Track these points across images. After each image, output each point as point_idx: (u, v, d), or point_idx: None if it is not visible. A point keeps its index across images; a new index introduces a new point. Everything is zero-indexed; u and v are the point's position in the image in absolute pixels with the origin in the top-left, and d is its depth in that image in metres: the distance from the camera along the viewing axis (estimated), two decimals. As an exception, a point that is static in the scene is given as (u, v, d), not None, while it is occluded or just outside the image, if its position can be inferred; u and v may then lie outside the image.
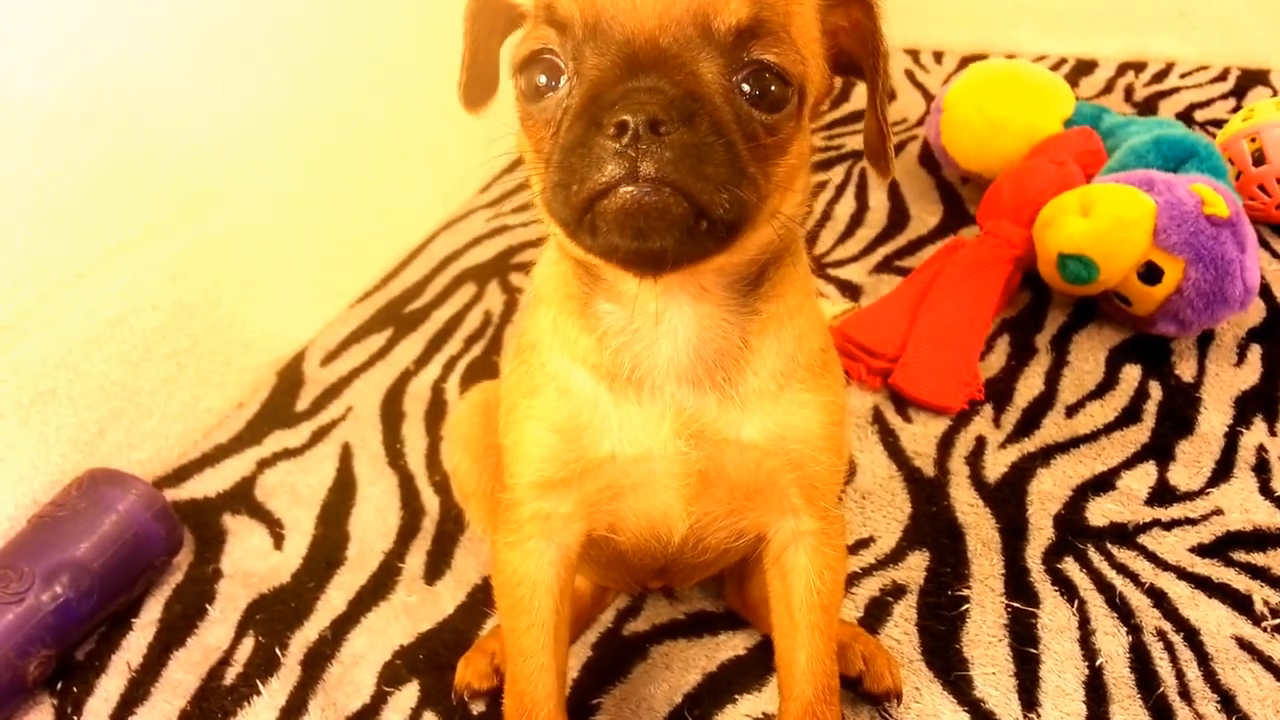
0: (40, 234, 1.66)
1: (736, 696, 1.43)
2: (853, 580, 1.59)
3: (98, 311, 1.78)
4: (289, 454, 1.95)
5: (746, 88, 0.87)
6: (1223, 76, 3.20)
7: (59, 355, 1.72)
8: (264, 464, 1.92)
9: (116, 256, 1.80)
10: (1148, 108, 3.04)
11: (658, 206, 0.82)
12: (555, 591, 1.19)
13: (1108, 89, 3.19)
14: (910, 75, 3.42)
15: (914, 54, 3.56)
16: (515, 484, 1.14)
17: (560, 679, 1.23)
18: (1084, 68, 3.35)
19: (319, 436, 1.99)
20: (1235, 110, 2.87)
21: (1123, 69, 3.32)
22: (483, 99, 1.12)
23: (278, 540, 1.75)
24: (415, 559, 1.69)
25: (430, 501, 1.81)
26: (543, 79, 0.89)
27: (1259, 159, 2.34)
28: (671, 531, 1.14)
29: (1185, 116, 2.96)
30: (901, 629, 1.51)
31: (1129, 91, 3.16)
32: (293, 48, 2.18)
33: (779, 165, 0.92)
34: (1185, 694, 1.39)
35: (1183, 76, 3.23)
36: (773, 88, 0.88)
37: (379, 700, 1.46)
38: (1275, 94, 3.06)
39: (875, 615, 1.53)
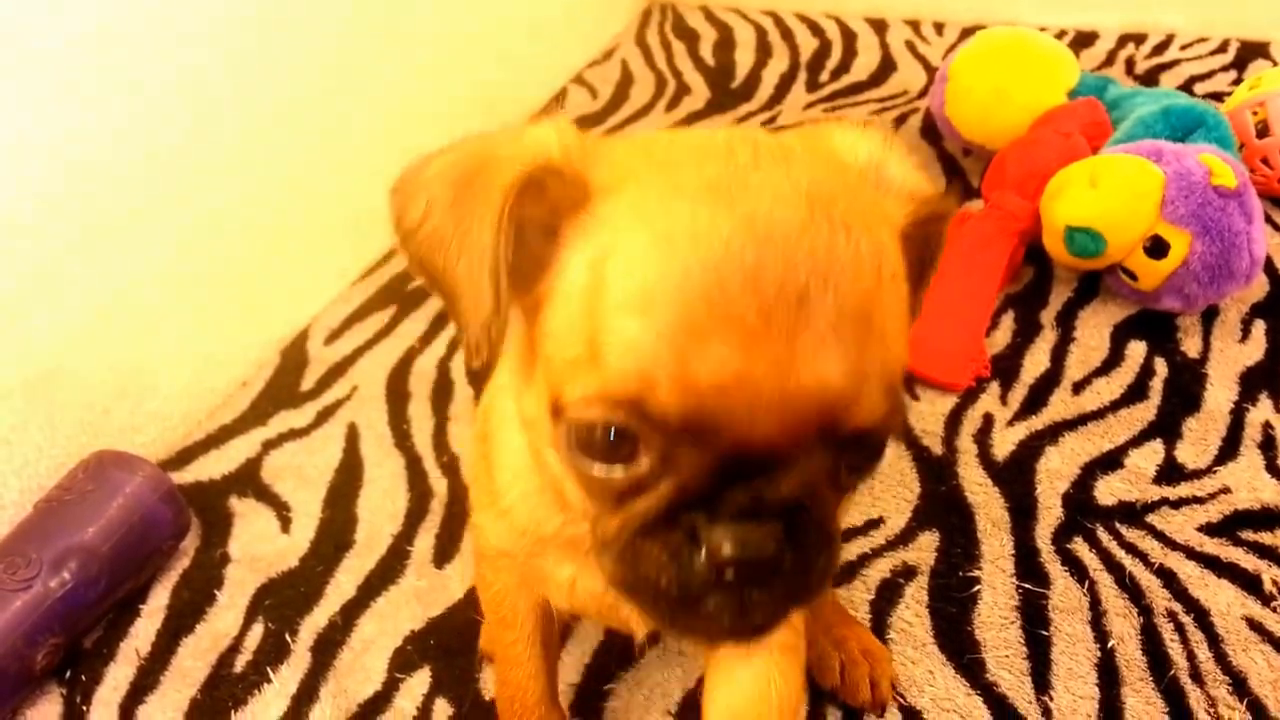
0: (45, 211, 1.64)
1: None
2: (864, 561, 1.59)
3: (103, 288, 1.76)
4: (295, 434, 1.93)
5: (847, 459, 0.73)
6: (1223, 48, 3.18)
7: (62, 334, 1.70)
8: (270, 445, 1.91)
9: (122, 233, 1.78)
10: (1149, 80, 3.02)
11: (749, 627, 0.73)
12: (539, 606, 1.17)
13: (1108, 61, 3.17)
14: (911, 47, 3.38)
15: (914, 25, 3.53)
16: (485, 541, 1.08)
17: (551, 679, 1.24)
18: (1084, 39, 3.32)
19: (325, 416, 1.97)
20: (1236, 83, 2.86)
21: (1123, 41, 3.29)
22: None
23: (285, 523, 1.74)
24: (424, 542, 1.69)
25: (438, 484, 1.80)
26: (606, 447, 0.70)
27: (1263, 130, 2.33)
28: (634, 630, 1.08)
29: (1186, 89, 2.94)
30: (913, 611, 1.51)
31: (1130, 64, 3.14)
32: (296, 22, 2.15)
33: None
34: (1197, 676, 1.39)
35: (1183, 48, 3.21)
36: (873, 451, 0.75)
37: (390, 687, 1.46)
38: (1276, 65, 3.04)
39: (886, 597, 1.53)
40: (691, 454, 0.67)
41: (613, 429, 0.68)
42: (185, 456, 1.89)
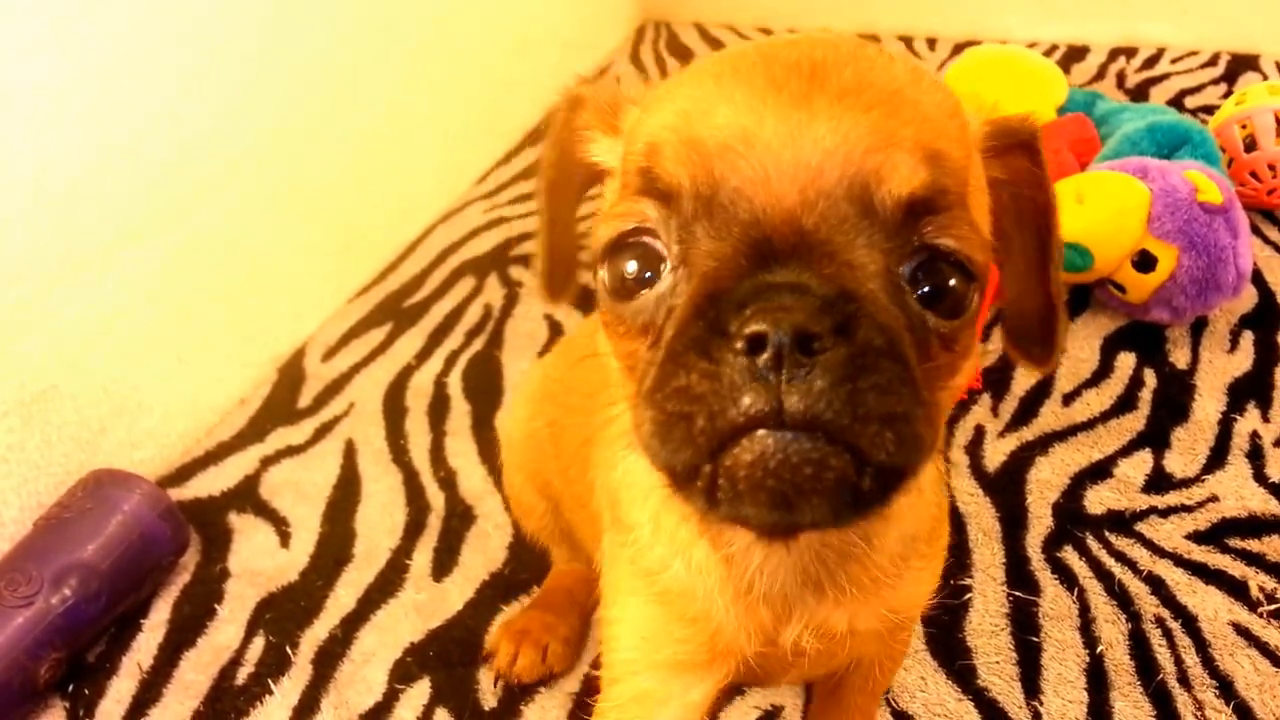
0: (37, 229, 1.67)
1: (744, 689, 1.45)
2: (856, 571, 1.61)
3: (97, 307, 1.78)
4: (292, 451, 1.95)
5: (921, 286, 0.66)
6: (1213, 61, 3.22)
7: (59, 354, 1.72)
8: (268, 461, 1.93)
9: (114, 252, 1.80)
10: (1139, 94, 3.05)
11: (813, 462, 0.60)
12: None
13: (1099, 75, 3.20)
14: (903, 63, 3.42)
15: (908, 40, 3.57)
16: (630, 661, 0.98)
17: None
18: (1075, 54, 3.35)
19: (322, 433, 1.99)
20: (1226, 96, 2.88)
21: (1114, 55, 3.32)
22: (564, 284, 0.91)
23: (284, 538, 1.76)
24: (422, 556, 1.71)
25: (436, 498, 1.82)
26: (633, 267, 0.68)
27: (1250, 145, 2.36)
28: (779, 680, 1.10)
29: (1176, 103, 2.97)
30: (905, 620, 1.53)
31: (1121, 78, 3.17)
32: (287, 40, 2.18)
33: (952, 383, 0.71)
34: (1184, 680, 1.41)
35: (1174, 62, 3.24)
36: (952, 282, 0.66)
37: (391, 698, 1.48)
38: (1266, 79, 3.07)
39: (879, 606, 1.55)
40: (709, 239, 0.64)
41: (634, 255, 0.68)
42: (184, 473, 1.91)
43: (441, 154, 2.76)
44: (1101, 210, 1.99)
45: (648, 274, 0.68)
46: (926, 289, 0.65)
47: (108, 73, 1.77)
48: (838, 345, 0.59)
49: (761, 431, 0.59)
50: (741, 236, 0.62)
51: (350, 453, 1.94)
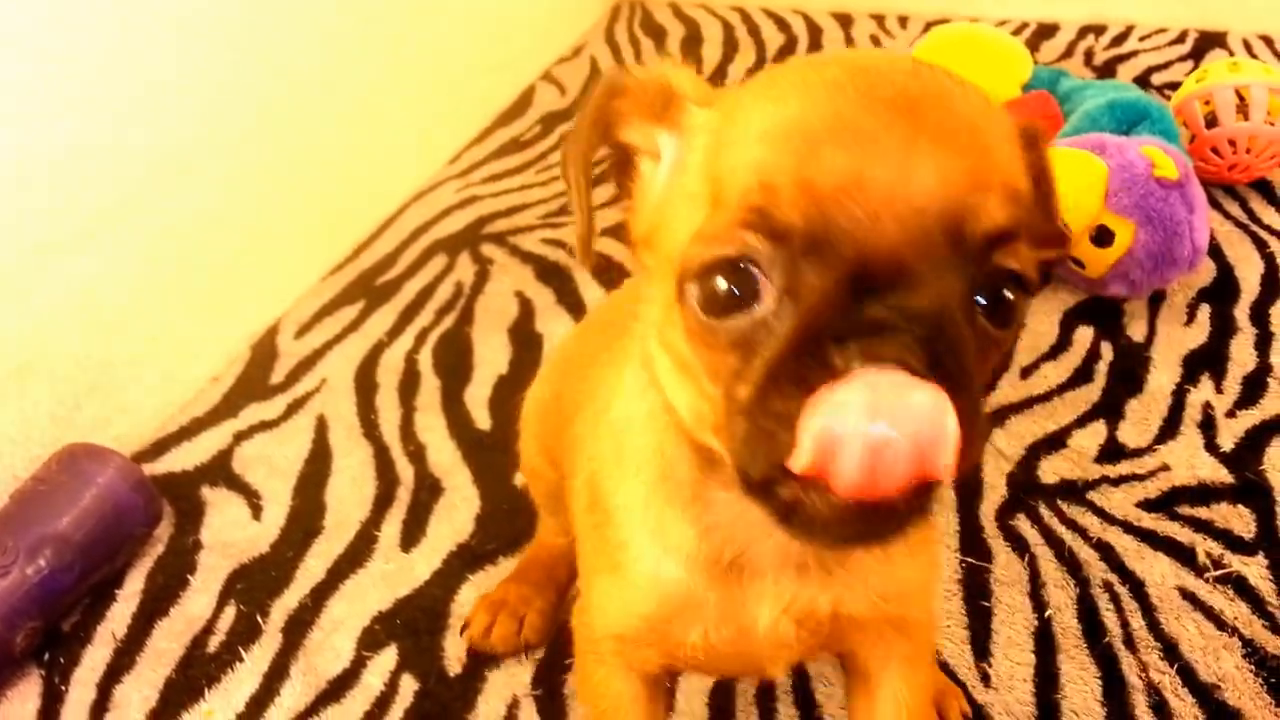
0: (14, 208, 1.69)
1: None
2: (814, 540, 1.64)
3: (73, 286, 1.81)
4: (265, 426, 1.98)
5: (983, 300, 0.69)
6: (1181, 39, 3.25)
7: (34, 330, 1.75)
8: (240, 436, 1.96)
9: (91, 232, 1.82)
10: (1107, 71, 3.09)
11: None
12: (644, 699, 1.09)
13: (1068, 53, 3.24)
14: (876, 41, 3.46)
15: (879, 19, 3.60)
16: (594, 628, 1.03)
17: None
18: (1045, 31, 3.39)
19: (294, 408, 2.02)
20: (1192, 73, 2.92)
21: (1083, 32, 3.36)
22: (590, 252, 0.89)
23: (256, 511, 1.79)
24: (391, 527, 1.74)
25: (405, 471, 1.85)
26: (730, 289, 0.69)
27: (1211, 121, 2.39)
28: (765, 673, 1.06)
29: (1143, 80, 3.01)
30: (860, 586, 1.57)
31: (1089, 55, 3.21)
32: (260, 22, 2.19)
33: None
34: (1130, 643, 1.46)
35: (1142, 39, 3.28)
36: (1010, 297, 0.71)
37: (358, 664, 1.51)
38: (1233, 56, 3.10)
39: (835, 573, 1.59)
40: (815, 273, 0.65)
41: (735, 266, 0.68)
42: (158, 448, 1.94)
43: (414, 134, 2.78)
44: (1060, 186, 2.02)
45: (740, 295, 0.68)
46: (990, 303, 0.69)
47: (89, 56, 1.79)
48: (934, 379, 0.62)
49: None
50: (845, 270, 0.64)
51: (321, 427, 1.97)
